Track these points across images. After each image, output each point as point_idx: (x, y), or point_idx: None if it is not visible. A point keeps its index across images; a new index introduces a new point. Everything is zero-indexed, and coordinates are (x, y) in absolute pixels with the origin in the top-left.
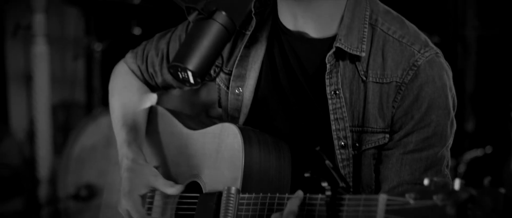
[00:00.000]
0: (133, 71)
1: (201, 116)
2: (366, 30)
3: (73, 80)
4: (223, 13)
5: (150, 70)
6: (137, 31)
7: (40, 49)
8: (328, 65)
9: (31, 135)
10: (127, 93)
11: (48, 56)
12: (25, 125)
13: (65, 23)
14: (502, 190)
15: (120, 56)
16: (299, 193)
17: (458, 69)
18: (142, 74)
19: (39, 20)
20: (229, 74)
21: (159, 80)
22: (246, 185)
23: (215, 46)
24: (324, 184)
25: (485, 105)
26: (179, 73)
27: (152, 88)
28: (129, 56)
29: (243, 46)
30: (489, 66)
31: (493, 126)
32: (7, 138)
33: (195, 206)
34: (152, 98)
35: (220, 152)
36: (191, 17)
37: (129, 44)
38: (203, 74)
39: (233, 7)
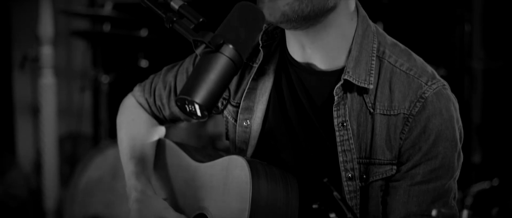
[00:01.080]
0: (141, 105)
1: (208, 148)
2: (373, 62)
3: (80, 112)
4: (231, 46)
5: (158, 103)
6: (144, 63)
7: (47, 81)
8: (336, 98)
9: (37, 166)
10: (135, 126)
11: (55, 88)
12: (32, 156)
13: (73, 55)
14: None
15: (127, 88)
16: None
17: (464, 101)
18: (150, 107)
19: (46, 52)
20: (237, 106)
21: (166, 113)
22: (254, 217)
23: (222, 79)
24: (332, 216)
25: (492, 138)
26: (186, 106)
27: (160, 121)
28: (137, 90)
29: (250, 78)
30: (496, 98)
31: (500, 158)
32: (14, 169)
33: None
34: (160, 131)
35: (227, 184)
36: (199, 50)
37: (136, 77)
38: (210, 108)
39: (240, 41)
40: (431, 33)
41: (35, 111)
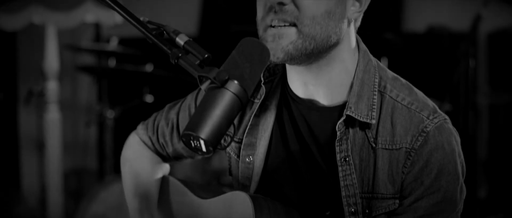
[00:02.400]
0: (144, 142)
1: (212, 184)
2: (375, 97)
3: (85, 147)
4: (236, 82)
5: (161, 140)
6: (149, 98)
7: (53, 116)
8: (338, 133)
9: (42, 201)
10: (139, 163)
11: (60, 122)
12: (37, 191)
13: (78, 90)
14: None
15: (132, 123)
16: None
17: (470, 136)
18: (153, 145)
19: (52, 87)
20: (240, 143)
21: (170, 150)
22: None
23: (228, 115)
24: None
25: (498, 172)
26: (191, 141)
27: (164, 158)
28: (140, 128)
29: (252, 115)
30: (501, 133)
31: (506, 193)
32: (19, 204)
33: None
34: (164, 168)
35: None
36: (204, 86)
37: (141, 112)
38: (216, 143)
39: (246, 76)
40: (436, 68)
41: (40, 146)
